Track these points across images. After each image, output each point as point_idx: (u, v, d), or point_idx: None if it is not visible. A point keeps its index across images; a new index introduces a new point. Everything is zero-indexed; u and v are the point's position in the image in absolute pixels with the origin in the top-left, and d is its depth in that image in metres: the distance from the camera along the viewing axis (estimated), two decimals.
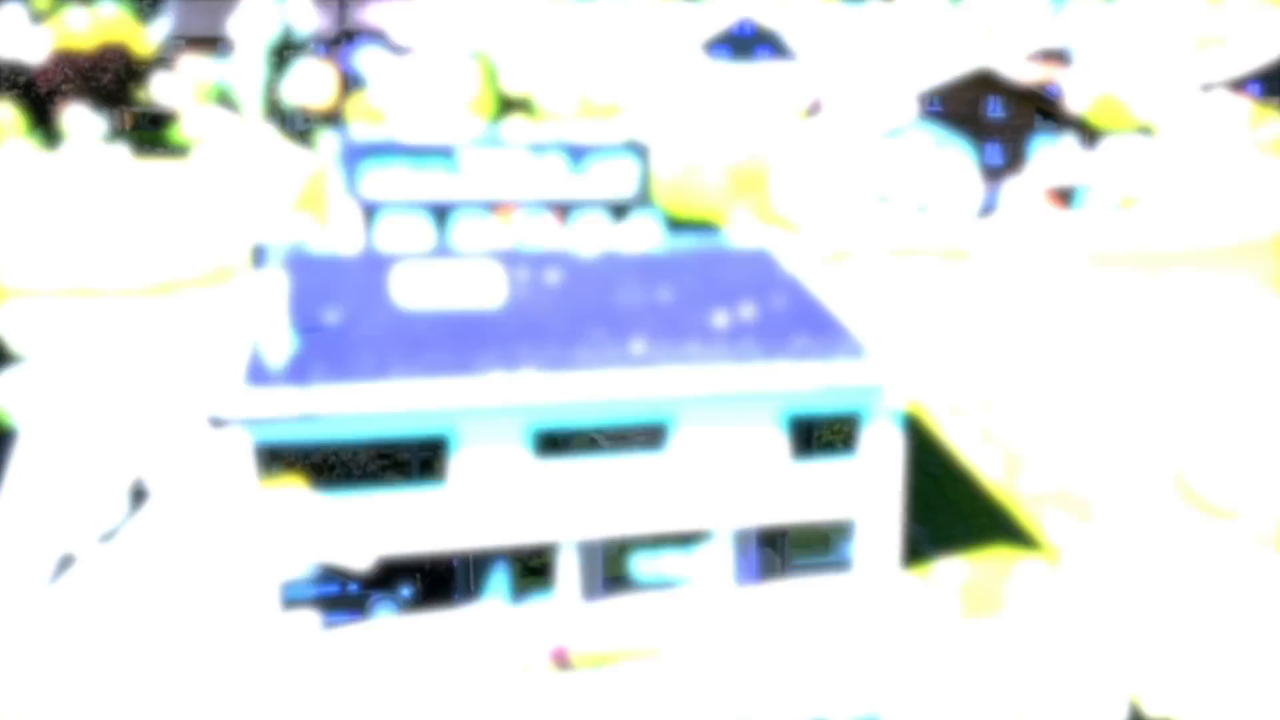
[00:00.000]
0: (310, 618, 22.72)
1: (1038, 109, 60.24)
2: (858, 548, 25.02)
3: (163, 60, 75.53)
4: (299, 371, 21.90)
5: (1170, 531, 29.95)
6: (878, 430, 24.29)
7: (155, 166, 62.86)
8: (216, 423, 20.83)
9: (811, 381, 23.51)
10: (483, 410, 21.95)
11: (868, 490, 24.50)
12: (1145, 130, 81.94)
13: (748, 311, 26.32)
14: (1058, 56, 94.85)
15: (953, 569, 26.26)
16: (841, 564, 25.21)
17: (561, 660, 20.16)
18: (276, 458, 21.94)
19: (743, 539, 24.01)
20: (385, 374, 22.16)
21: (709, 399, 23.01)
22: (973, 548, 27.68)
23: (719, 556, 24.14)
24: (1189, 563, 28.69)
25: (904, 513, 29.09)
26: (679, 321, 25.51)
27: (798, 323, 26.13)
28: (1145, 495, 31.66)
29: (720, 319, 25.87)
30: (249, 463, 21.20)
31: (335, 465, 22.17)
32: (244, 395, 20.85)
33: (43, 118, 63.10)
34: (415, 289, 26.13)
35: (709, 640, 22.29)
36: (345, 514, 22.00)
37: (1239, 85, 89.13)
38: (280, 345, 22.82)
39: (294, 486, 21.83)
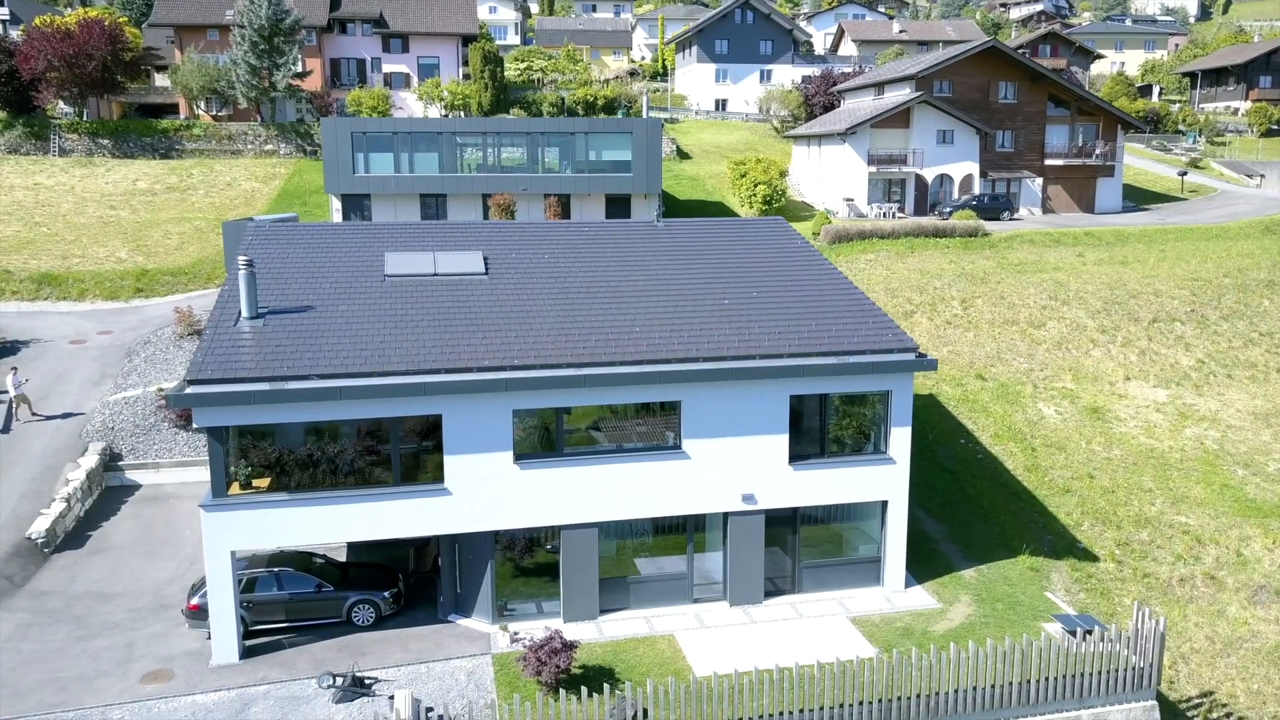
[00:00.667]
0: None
1: (1051, 94, 58.31)
2: (885, 537, 23.28)
3: (152, 48, 73.68)
4: (271, 346, 20.17)
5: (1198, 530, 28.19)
6: (901, 411, 22.54)
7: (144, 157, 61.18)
8: (176, 401, 19.08)
9: (845, 355, 21.81)
10: (475, 385, 20.14)
11: (892, 476, 22.75)
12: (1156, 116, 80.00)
13: (769, 282, 24.52)
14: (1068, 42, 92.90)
15: (972, 568, 24.50)
16: (852, 564, 23.45)
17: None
18: (255, 451, 20.30)
19: (751, 539, 22.23)
20: (370, 348, 20.43)
21: (724, 371, 21.18)
22: (994, 546, 25.91)
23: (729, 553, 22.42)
24: (1215, 559, 26.93)
25: (922, 509, 27.31)
26: (691, 292, 23.75)
27: (822, 296, 24.34)
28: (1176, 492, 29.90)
29: (739, 289, 24.08)
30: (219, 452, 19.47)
31: (320, 461, 20.43)
32: (209, 374, 19.13)
33: (26, 106, 61.20)
34: (403, 258, 24.38)
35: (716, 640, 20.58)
36: (327, 509, 20.23)
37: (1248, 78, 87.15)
38: (252, 321, 21.11)
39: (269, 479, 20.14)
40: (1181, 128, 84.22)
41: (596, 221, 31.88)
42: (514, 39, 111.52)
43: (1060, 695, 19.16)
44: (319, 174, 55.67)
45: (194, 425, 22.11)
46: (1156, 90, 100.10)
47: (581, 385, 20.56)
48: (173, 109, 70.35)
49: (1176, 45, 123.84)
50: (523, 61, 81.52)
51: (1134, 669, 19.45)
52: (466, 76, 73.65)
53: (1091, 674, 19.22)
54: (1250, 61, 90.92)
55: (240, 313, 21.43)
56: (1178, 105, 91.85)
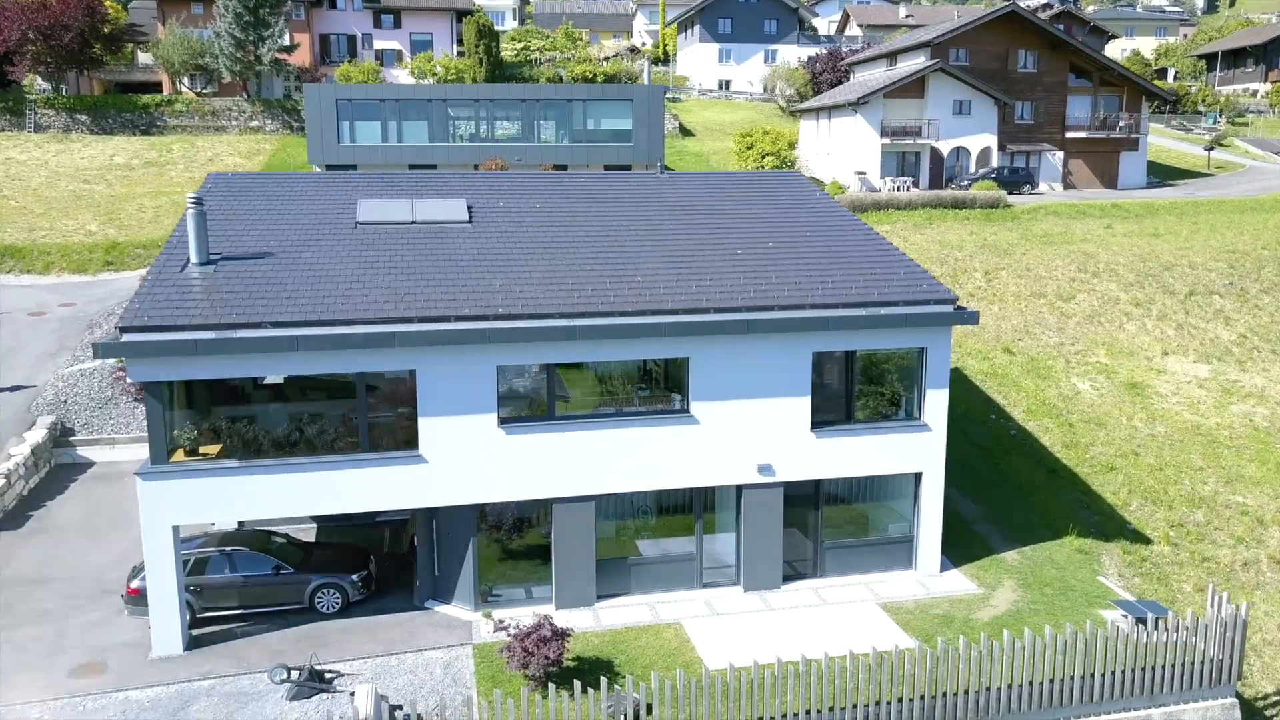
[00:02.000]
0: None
1: (1072, 64, 55.65)
2: (919, 514, 20.74)
3: (135, 24, 71.07)
4: (221, 294, 17.60)
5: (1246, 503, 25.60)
6: (938, 372, 20.00)
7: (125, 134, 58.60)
8: (107, 351, 16.50)
9: (875, 306, 19.21)
10: (453, 336, 17.56)
11: (927, 445, 20.19)
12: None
13: (787, 232, 21.94)
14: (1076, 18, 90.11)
15: (1014, 550, 21.95)
16: (882, 544, 20.89)
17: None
18: (201, 411, 17.79)
19: (768, 516, 19.66)
20: (334, 296, 17.84)
21: (738, 323, 18.55)
22: (1036, 527, 23.34)
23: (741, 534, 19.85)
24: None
25: (954, 487, 24.72)
26: (700, 242, 21.15)
27: (846, 246, 21.76)
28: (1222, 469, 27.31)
29: (753, 239, 21.49)
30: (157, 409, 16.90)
31: (299, 441, 17.85)
32: (146, 321, 16.55)
33: (0, 81, 58.62)
34: (377, 205, 21.82)
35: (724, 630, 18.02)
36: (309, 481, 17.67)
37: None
38: (201, 267, 18.55)
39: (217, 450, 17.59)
40: (1201, 108, 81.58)
41: (594, 171, 29.26)
42: (511, 24, 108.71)
43: (1128, 691, 16.60)
44: (305, 150, 53.06)
45: (128, 380, 19.44)
46: (1172, 73, 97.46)
47: (575, 338, 17.94)
48: (155, 87, 67.71)
49: (1186, 35, 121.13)
50: (519, 41, 78.87)
51: (1212, 662, 16.89)
52: (461, 53, 71.06)
53: (1163, 667, 16.66)
54: (1270, 42, 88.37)
55: (188, 258, 18.89)
56: (1195, 87, 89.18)
